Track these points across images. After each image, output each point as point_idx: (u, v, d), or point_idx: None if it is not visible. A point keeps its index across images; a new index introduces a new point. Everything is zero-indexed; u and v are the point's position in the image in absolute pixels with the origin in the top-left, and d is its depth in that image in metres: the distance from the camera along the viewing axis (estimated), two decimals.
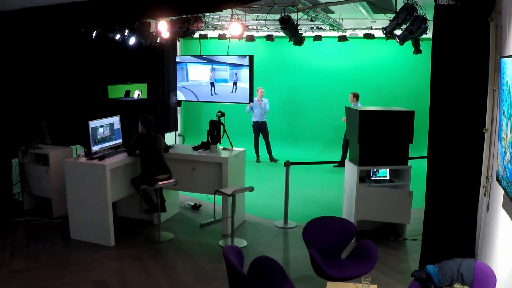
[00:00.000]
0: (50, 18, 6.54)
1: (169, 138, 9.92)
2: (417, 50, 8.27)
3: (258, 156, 10.13)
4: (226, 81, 7.76)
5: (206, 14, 8.14)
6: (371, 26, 8.82)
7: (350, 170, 5.78)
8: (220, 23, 9.16)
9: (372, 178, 5.75)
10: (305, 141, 10.97)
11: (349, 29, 9.15)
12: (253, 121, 9.96)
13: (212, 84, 7.88)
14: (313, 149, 10.70)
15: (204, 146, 6.20)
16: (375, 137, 5.47)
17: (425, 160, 4.58)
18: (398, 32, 6.86)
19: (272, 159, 10.07)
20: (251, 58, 7.51)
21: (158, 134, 5.93)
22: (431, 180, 4.43)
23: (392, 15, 6.32)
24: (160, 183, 5.58)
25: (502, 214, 3.51)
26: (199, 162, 6.00)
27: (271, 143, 10.10)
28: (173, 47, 10.13)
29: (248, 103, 9.39)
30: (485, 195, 4.05)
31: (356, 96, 9.19)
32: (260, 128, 9.96)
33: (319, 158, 9.57)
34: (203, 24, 8.33)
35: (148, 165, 5.65)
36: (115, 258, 5.15)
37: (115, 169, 5.50)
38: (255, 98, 9.77)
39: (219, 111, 6.28)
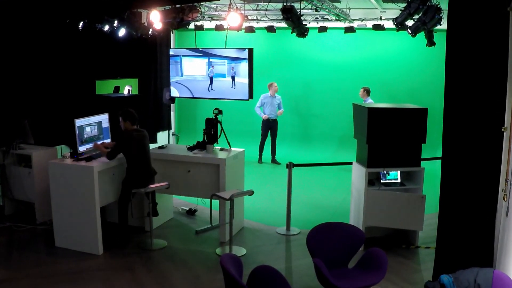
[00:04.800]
0: (34, 8, 6.54)
1: (162, 137, 9.93)
2: (431, 43, 8.28)
3: (261, 156, 10.15)
4: (223, 75, 7.77)
5: (202, 3, 8.15)
6: (381, 17, 8.83)
7: (358, 172, 5.78)
8: (217, 13, 9.17)
9: (382, 181, 5.76)
10: (310, 141, 10.99)
11: (357, 19, 9.16)
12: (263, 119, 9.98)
13: (211, 79, 7.88)
14: (320, 149, 10.70)
15: (200, 146, 6.20)
16: (385, 136, 5.47)
17: (439, 161, 4.58)
18: (410, 23, 6.87)
19: (274, 161, 10.09)
20: (250, 51, 7.52)
21: (143, 129, 5.84)
22: (445, 183, 4.43)
23: (403, 5, 6.34)
24: (152, 186, 5.58)
25: None
26: (195, 164, 6.01)
27: (277, 143, 10.12)
28: (167, 39, 10.14)
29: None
30: (504, 199, 4.05)
31: (367, 91, 9.22)
32: (270, 127, 9.98)
33: (328, 158, 9.58)
34: (198, 14, 8.36)
35: (143, 168, 5.64)
36: (103, 267, 5.15)
37: (103, 171, 5.50)
38: (267, 94, 9.79)
39: (216, 109, 6.29)
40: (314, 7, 7.78)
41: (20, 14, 6.68)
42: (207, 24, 9.98)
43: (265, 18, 9.05)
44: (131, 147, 5.55)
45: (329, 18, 9.17)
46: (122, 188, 5.64)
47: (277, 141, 10.13)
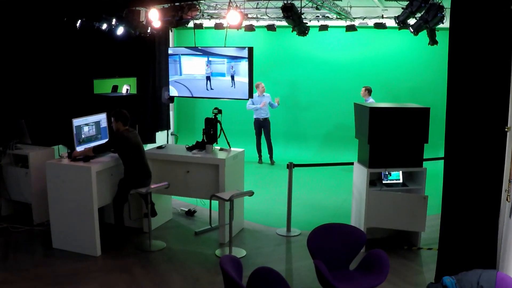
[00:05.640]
0: (31, 6, 6.54)
1: (161, 137, 9.92)
2: (433, 41, 8.27)
3: (260, 156, 10.16)
4: (223, 75, 7.76)
5: (201, 1, 8.15)
6: (382, 15, 8.83)
7: (359, 172, 5.78)
8: (216, 11, 9.17)
9: (384, 182, 5.75)
10: (310, 141, 10.98)
11: (358, 18, 9.16)
12: (255, 118, 9.98)
13: (208, 78, 7.87)
14: (319, 149, 10.70)
15: (199, 146, 6.20)
16: (386, 136, 5.47)
17: (442, 161, 4.58)
18: (412, 21, 6.87)
19: (272, 162, 10.08)
20: (250, 50, 7.50)
21: (134, 130, 5.85)
22: (448, 184, 4.42)
23: (405, 3, 6.33)
24: (153, 186, 5.58)
25: None
26: (194, 164, 6.00)
27: (272, 143, 10.11)
28: (165, 38, 10.12)
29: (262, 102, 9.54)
30: (507, 200, 4.05)
31: (368, 91, 9.22)
32: (262, 126, 9.98)
33: (326, 159, 9.58)
34: (198, 13, 8.35)
35: (141, 168, 5.65)
36: (101, 269, 5.15)
37: (101, 171, 5.50)
38: (255, 94, 9.80)
39: (215, 108, 6.29)
40: (315, 5, 7.78)
41: (17, 13, 6.68)
42: (207, 23, 9.97)
43: (265, 17, 9.04)
44: (128, 148, 5.58)
45: (330, 16, 9.17)
46: (118, 189, 5.65)
47: (273, 140, 10.10)
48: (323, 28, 9.22)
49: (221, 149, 6.23)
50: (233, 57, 7.62)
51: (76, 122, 5.68)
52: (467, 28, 4.16)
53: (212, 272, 5.10)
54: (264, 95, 9.87)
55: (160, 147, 6.46)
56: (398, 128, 5.46)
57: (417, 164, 5.62)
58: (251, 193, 5.52)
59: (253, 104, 9.82)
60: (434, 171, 6.42)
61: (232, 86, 7.68)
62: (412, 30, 6.97)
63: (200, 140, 6.29)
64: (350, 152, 9.60)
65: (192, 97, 8.33)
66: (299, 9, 7.11)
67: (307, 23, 7.81)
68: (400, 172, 5.78)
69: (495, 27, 4.04)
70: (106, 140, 5.79)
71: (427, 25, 6.57)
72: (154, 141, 9.46)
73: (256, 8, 8.45)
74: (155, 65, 9.77)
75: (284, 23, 8.07)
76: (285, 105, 10.80)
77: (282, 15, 7.04)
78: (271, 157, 10.10)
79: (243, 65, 7.48)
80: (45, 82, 7.26)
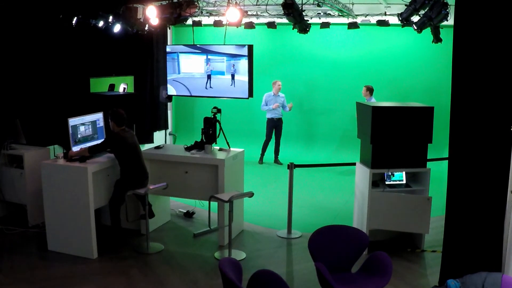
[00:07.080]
0: (26, 3, 6.54)
1: (159, 137, 9.93)
2: (437, 39, 8.28)
3: (262, 156, 10.15)
4: (222, 73, 7.77)
5: None
6: (385, 12, 8.83)
7: (362, 173, 5.78)
8: (215, 8, 9.17)
9: (386, 182, 5.75)
10: (310, 140, 10.98)
11: (361, 15, 9.16)
12: (268, 118, 9.99)
13: (209, 77, 7.88)
14: (320, 149, 10.70)
15: (198, 146, 6.21)
16: (389, 136, 5.47)
17: (446, 162, 4.58)
18: (415, 18, 6.87)
19: (277, 161, 10.09)
20: (250, 48, 7.51)
21: (131, 130, 5.86)
22: (452, 185, 4.42)
23: (408, 0, 6.33)
24: (151, 187, 5.58)
25: None
26: (192, 165, 6.00)
27: (280, 144, 10.14)
28: (163, 36, 10.14)
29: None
30: None
31: (370, 90, 9.21)
32: (275, 126, 10.00)
33: (328, 158, 9.58)
34: (196, 10, 8.36)
35: (138, 168, 5.65)
36: (98, 272, 5.15)
37: (97, 172, 5.50)
38: (270, 93, 9.80)
39: (214, 107, 6.29)
40: (316, 2, 7.77)
41: (12, 10, 6.68)
42: (206, 20, 9.98)
43: (265, 14, 9.05)
44: (124, 148, 5.58)
45: (331, 13, 9.17)
46: (114, 190, 5.65)
47: (283, 141, 10.13)
48: (325, 25, 9.22)
49: (220, 149, 6.23)
50: (232, 55, 7.63)
51: (72, 121, 5.68)
52: (472, 25, 4.16)
53: (211, 275, 5.10)
54: (279, 95, 9.88)
55: (158, 147, 6.47)
56: (402, 127, 5.46)
57: (420, 165, 5.62)
58: (251, 194, 5.51)
59: (266, 104, 9.84)
60: (438, 171, 6.43)
61: (231, 84, 7.69)
62: (415, 28, 6.97)
63: (199, 140, 6.29)
64: (353, 151, 9.61)
65: (191, 96, 8.34)
66: (300, 6, 7.10)
67: (308, 20, 7.81)
68: (404, 172, 5.78)
69: (500, 24, 4.04)
70: (102, 140, 5.79)
71: (431, 23, 6.58)
72: (152, 141, 9.48)
73: (256, 5, 8.44)
74: (153, 64, 9.78)
75: (284, 20, 8.07)
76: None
77: (282, 12, 7.03)
78: (276, 156, 10.11)
79: (243, 63, 7.49)
80: (41, 80, 7.26)
